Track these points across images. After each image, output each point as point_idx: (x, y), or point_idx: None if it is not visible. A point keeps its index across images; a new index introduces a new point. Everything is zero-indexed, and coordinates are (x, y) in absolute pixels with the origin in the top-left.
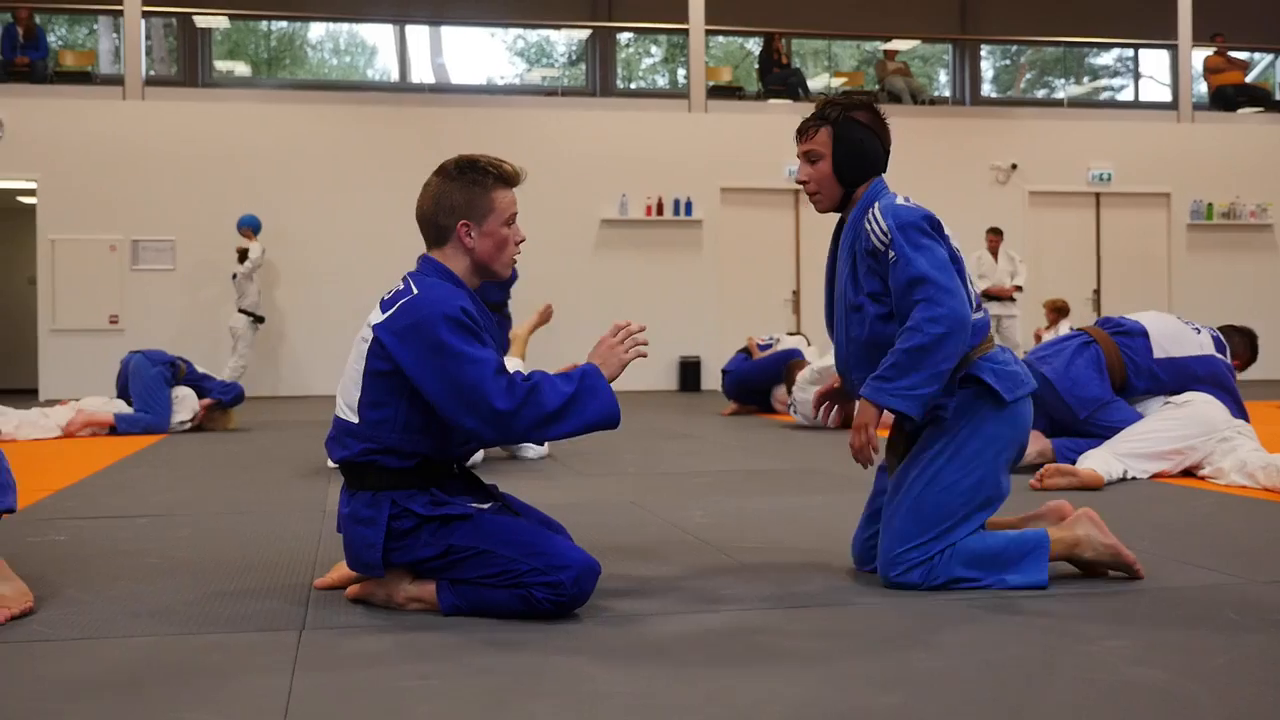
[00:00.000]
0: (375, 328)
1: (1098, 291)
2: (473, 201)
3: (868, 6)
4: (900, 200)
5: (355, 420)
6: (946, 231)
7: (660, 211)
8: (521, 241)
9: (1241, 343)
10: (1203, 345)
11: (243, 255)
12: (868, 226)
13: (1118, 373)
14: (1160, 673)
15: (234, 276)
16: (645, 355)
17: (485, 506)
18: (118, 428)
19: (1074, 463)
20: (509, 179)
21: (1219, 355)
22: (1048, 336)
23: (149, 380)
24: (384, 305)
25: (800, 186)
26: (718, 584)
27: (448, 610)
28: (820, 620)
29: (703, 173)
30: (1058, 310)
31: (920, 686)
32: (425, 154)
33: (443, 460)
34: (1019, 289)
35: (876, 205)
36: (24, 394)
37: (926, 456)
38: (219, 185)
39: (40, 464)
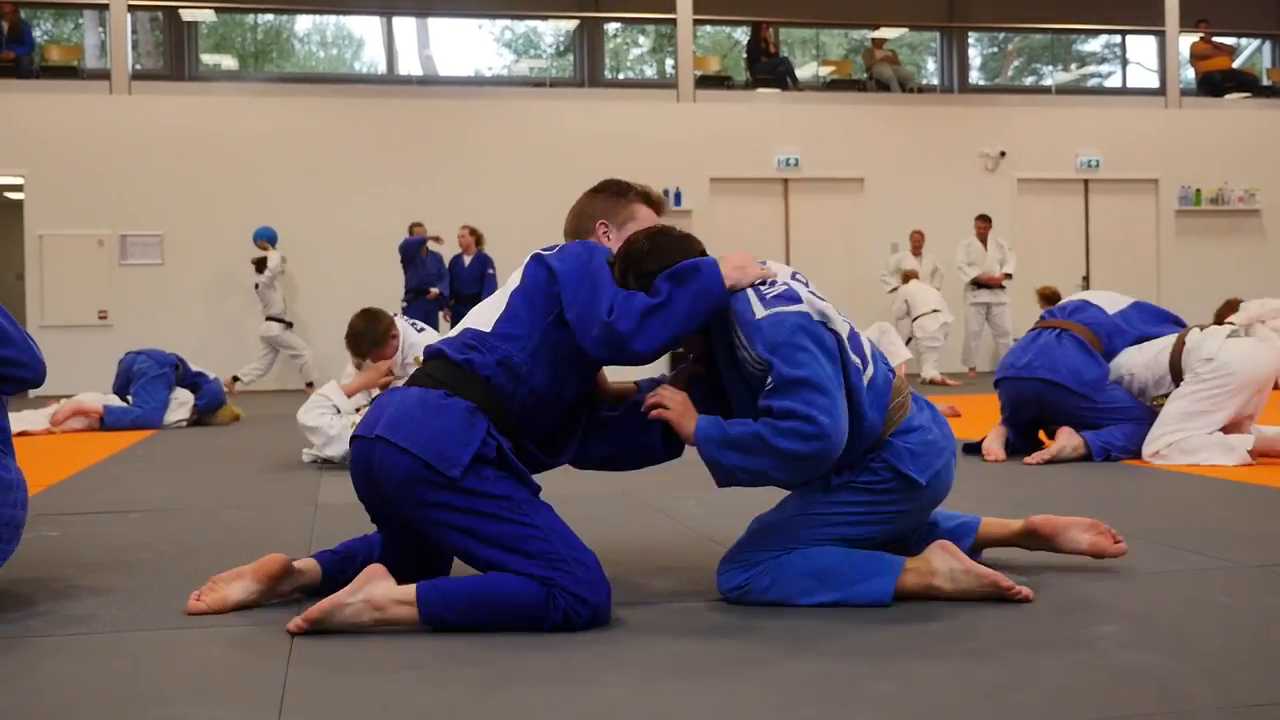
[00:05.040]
0: (534, 256)
1: (1086, 278)
2: (614, 208)
3: None
4: (761, 313)
5: (486, 330)
6: (832, 316)
7: None
8: None
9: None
10: (1120, 299)
11: (260, 265)
12: (740, 354)
13: (1098, 346)
14: (1153, 657)
15: (255, 286)
16: (770, 277)
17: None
18: (105, 419)
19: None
20: (652, 200)
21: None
22: None
23: (154, 381)
24: (534, 256)
25: (788, 175)
26: (710, 575)
27: (425, 614)
28: (812, 610)
29: (691, 163)
30: (1048, 298)
31: (914, 674)
32: (413, 145)
33: (539, 434)
34: (1008, 276)
35: (738, 324)
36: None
37: (829, 501)
38: (207, 179)
39: (30, 460)
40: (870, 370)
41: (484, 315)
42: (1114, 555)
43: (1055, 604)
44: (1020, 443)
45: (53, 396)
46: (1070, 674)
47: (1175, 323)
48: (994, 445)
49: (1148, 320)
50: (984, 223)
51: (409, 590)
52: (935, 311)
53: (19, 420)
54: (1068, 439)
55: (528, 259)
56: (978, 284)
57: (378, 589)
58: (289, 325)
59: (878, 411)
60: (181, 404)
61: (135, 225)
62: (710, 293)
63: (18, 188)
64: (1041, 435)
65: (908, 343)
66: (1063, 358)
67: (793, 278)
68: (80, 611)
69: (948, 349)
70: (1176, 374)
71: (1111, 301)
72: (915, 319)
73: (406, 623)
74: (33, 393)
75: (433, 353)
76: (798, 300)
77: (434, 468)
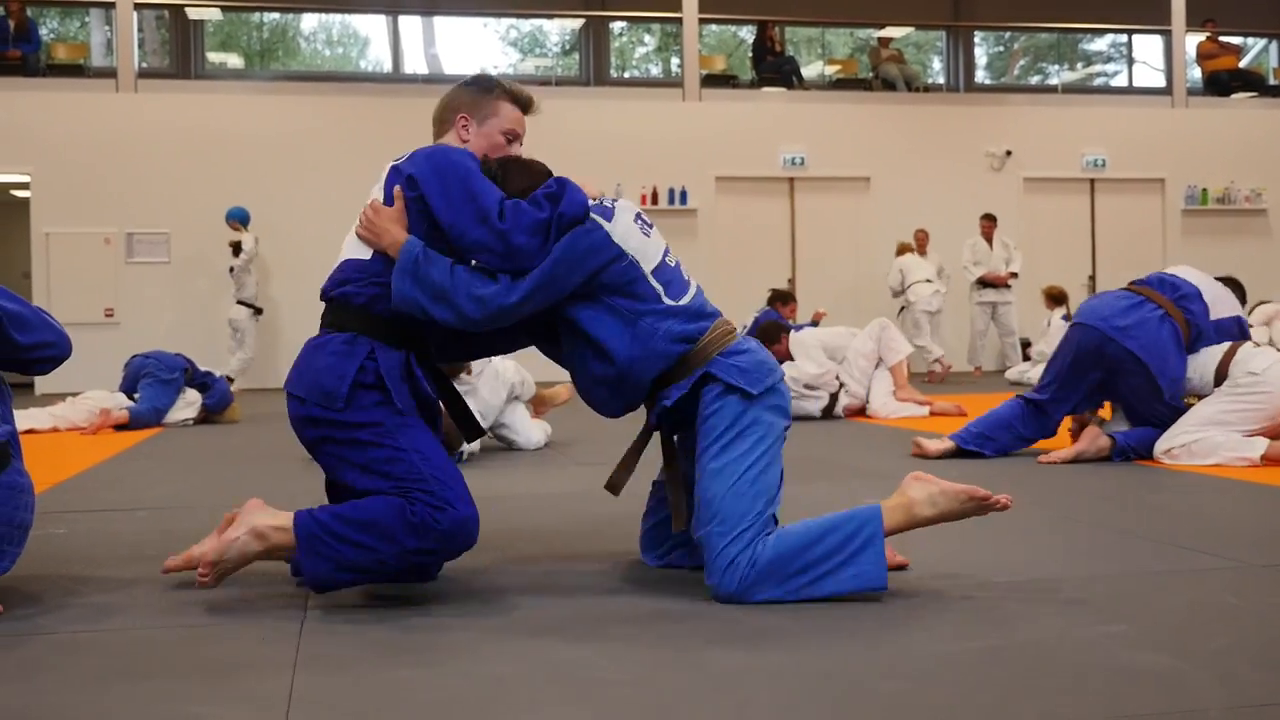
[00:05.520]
0: (394, 165)
1: (1093, 278)
2: (478, 102)
3: None
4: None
5: (366, 257)
6: (634, 246)
7: (655, 201)
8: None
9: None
10: (1234, 305)
11: (236, 248)
12: None
13: (1185, 342)
14: (1160, 657)
15: (230, 270)
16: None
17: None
18: (130, 425)
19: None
20: (519, 98)
21: (1241, 309)
22: (1045, 325)
23: (160, 383)
24: (394, 171)
25: (794, 173)
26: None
27: (301, 536)
28: (820, 608)
29: (697, 162)
30: (1054, 298)
31: (919, 673)
32: (419, 144)
33: (440, 338)
34: (1014, 275)
35: None
36: (20, 388)
37: (704, 460)
38: (213, 177)
39: (37, 458)
40: (675, 301)
41: (356, 244)
42: (895, 566)
43: (1061, 604)
44: (1028, 427)
45: (59, 394)
46: (1078, 674)
47: (1243, 333)
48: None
49: (1230, 333)
50: (989, 222)
51: (287, 517)
52: (928, 281)
53: (24, 418)
54: (1091, 440)
55: (385, 172)
56: (983, 283)
57: (259, 518)
58: (258, 311)
59: (682, 324)
60: (189, 403)
61: (142, 223)
62: (583, 204)
63: (24, 186)
64: (1067, 423)
65: (900, 312)
66: (1161, 343)
67: (636, 218)
68: (88, 609)
69: (953, 349)
70: (1219, 379)
71: (1214, 299)
72: (909, 286)
73: (289, 548)
74: (39, 390)
75: (323, 294)
76: (609, 218)
77: (320, 405)
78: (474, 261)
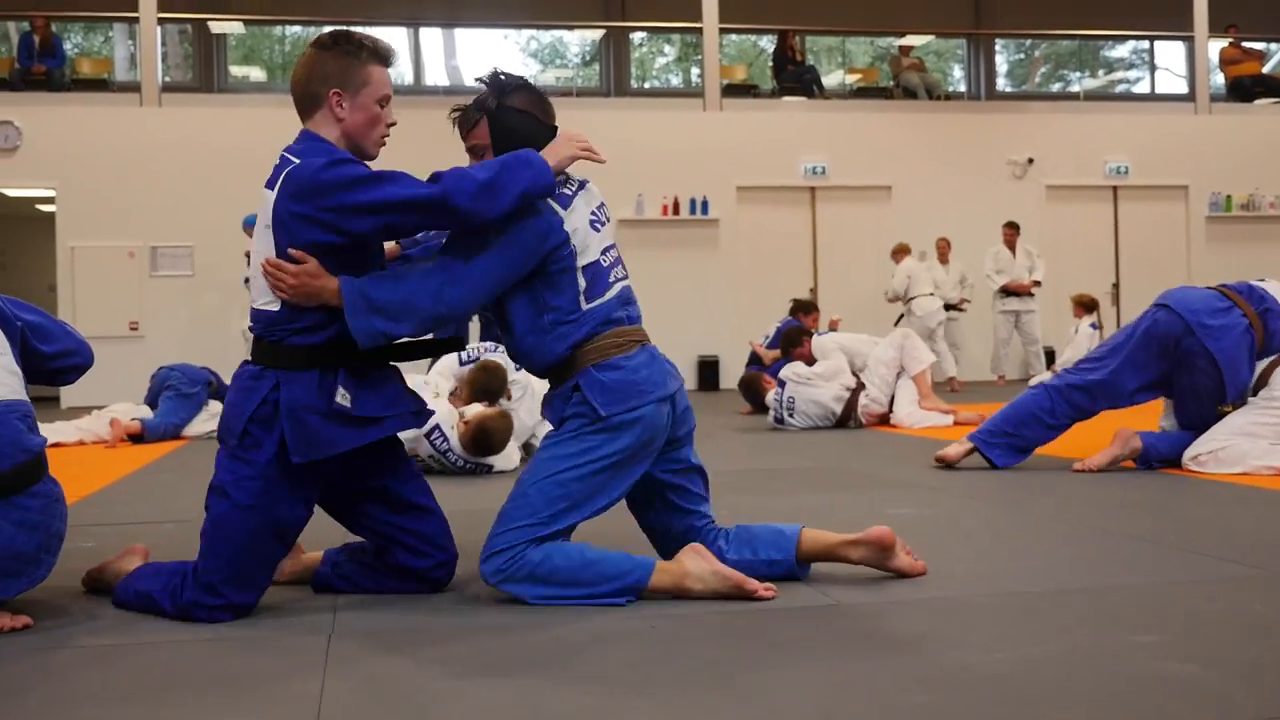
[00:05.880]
0: (274, 207)
1: (1116, 285)
2: (346, 72)
3: (881, 2)
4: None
5: (274, 309)
6: (582, 240)
7: (676, 211)
8: (392, 125)
9: None
10: None
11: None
12: None
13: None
14: (1191, 666)
15: (245, 281)
16: (598, 160)
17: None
18: (145, 436)
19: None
20: (383, 56)
21: None
22: (1072, 333)
23: (181, 397)
24: (269, 185)
25: (815, 183)
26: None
27: (117, 592)
28: (849, 619)
29: (718, 171)
30: (1085, 306)
31: (950, 684)
32: (440, 156)
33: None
34: (1037, 284)
35: None
36: (46, 401)
37: (551, 455)
38: (236, 190)
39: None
40: (593, 303)
41: (259, 287)
42: (917, 573)
43: (1090, 613)
44: (1057, 415)
45: (84, 408)
46: (1108, 684)
47: None
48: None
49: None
50: (1012, 230)
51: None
52: (931, 294)
53: (50, 432)
54: (1125, 442)
55: (264, 210)
56: (1006, 292)
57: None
58: None
59: (577, 329)
60: (213, 415)
61: (165, 237)
62: (549, 185)
63: (49, 200)
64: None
65: (898, 321)
66: (1239, 352)
67: (592, 214)
68: (117, 621)
69: (976, 359)
70: (1257, 388)
71: None
72: (913, 299)
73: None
74: (64, 404)
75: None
76: (565, 205)
77: (223, 439)
78: (405, 254)
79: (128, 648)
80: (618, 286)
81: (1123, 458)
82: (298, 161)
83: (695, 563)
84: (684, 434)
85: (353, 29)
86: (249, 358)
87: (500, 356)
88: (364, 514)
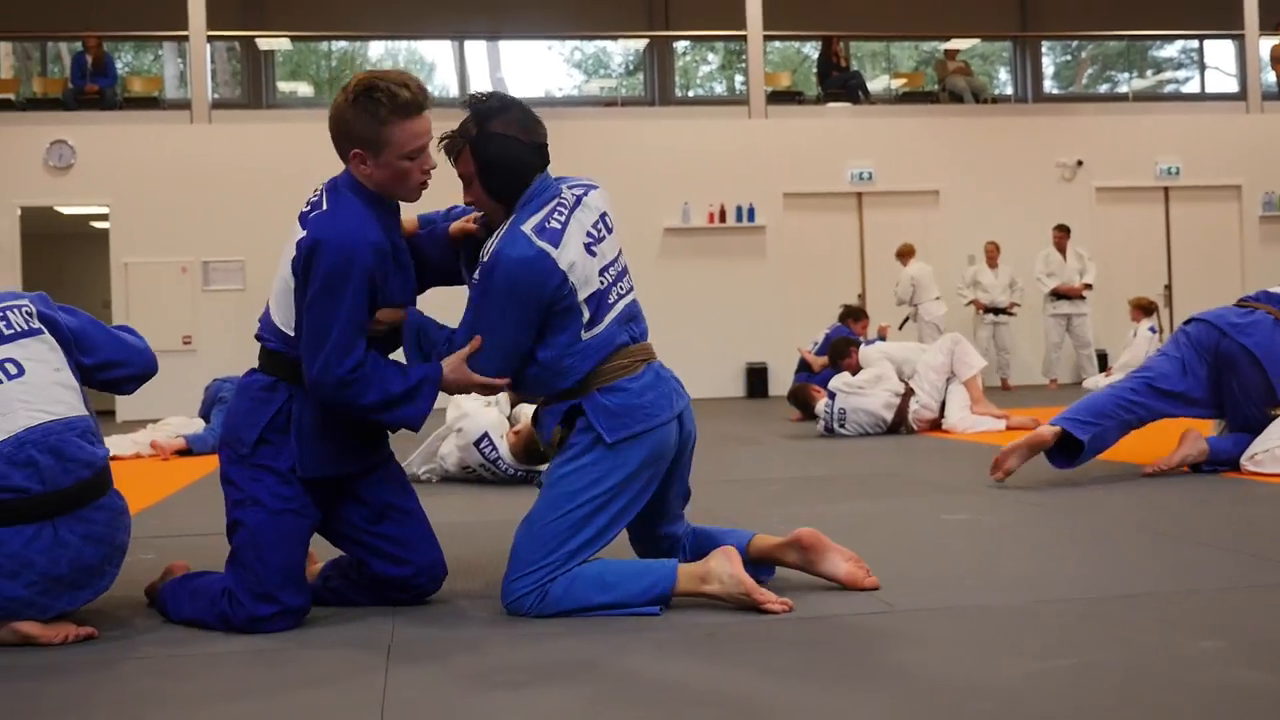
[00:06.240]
0: (298, 243)
1: (1169, 287)
2: (367, 132)
3: (926, 6)
4: (529, 226)
5: (290, 332)
6: (568, 270)
7: (723, 219)
8: (431, 168)
9: None
10: None
11: None
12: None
13: None
14: (1257, 674)
15: None
16: (495, 392)
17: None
18: (193, 449)
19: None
20: (408, 109)
21: None
22: (1130, 336)
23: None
24: (302, 220)
25: (861, 188)
26: (805, 590)
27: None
28: (910, 626)
29: (764, 178)
30: (1143, 309)
31: (1008, 692)
32: None
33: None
34: (1088, 287)
35: (507, 223)
36: (101, 415)
37: (549, 472)
38: (285, 204)
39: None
40: (593, 332)
41: (283, 306)
42: (867, 588)
43: (1152, 620)
44: (1133, 410)
45: (139, 421)
46: (1174, 692)
47: None
48: (1011, 461)
49: None
50: (1062, 233)
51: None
52: (938, 299)
53: (107, 444)
54: (1193, 443)
55: (299, 235)
56: (1057, 295)
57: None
58: None
59: (586, 360)
60: None
61: (217, 251)
62: (404, 425)
63: (103, 217)
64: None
65: (903, 324)
66: (1275, 344)
67: (594, 225)
68: (178, 633)
69: (1027, 363)
70: None
71: None
72: (920, 303)
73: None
74: (119, 417)
75: (256, 336)
76: (556, 243)
77: (229, 444)
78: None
79: (191, 658)
80: (620, 306)
81: (1191, 458)
82: (326, 209)
83: (721, 563)
84: (686, 454)
85: (382, 77)
86: (256, 365)
87: None
88: (341, 520)
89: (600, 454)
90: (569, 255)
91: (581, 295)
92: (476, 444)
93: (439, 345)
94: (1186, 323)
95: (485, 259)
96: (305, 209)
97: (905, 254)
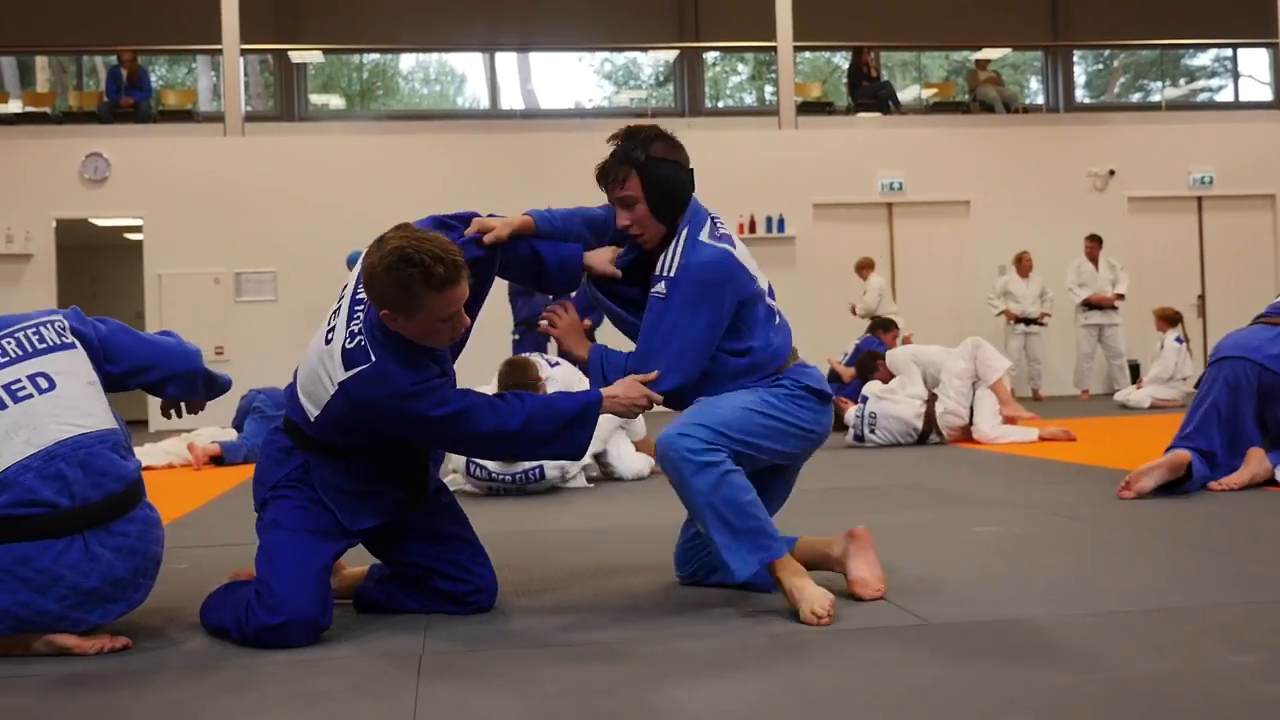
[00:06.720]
0: (344, 385)
1: (1202, 297)
2: (399, 300)
3: (956, 16)
4: (704, 235)
5: (310, 417)
6: (746, 266)
7: (753, 229)
8: (469, 325)
9: None
10: None
11: None
12: (662, 257)
13: None
14: None
15: (328, 336)
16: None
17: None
18: (225, 458)
19: None
20: (442, 284)
21: None
22: (1157, 348)
23: (265, 419)
24: (345, 358)
25: (892, 199)
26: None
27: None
28: (939, 637)
29: (794, 189)
30: (1168, 319)
31: (1041, 706)
32: (517, 179)
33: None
34: (1121, 297)
35: (682, 236)
36: (134, 425)
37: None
38: (318, 216)
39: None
40: (777, 318)
41: (315, 391)
42: (867, 598)
43: (1187, 633)
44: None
45: (173, 431)
46: (1207, 706)
47: None
48: (1145, 481)
49: None
50: (1094, 243)
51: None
52: (896, 312)
53: (140, 455)
54: (1260, 462)
55: (338, 372)
56: (1089, 305)
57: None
58: None
59: (787, 338)
60: None
61: (250, 263)
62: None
63: (137, 229)
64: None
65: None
66: None
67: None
68: (212, 644)
69: (1059, 373)
70: None
71: None
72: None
73: None
74: (152, 427)
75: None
76: (731, 244)
77: (255, 495)
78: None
79: (225, 669)
80: (777, 314)
81: (1260, 477)
82: (374, 362)
83: (845, 547)
84: (807, 456)
85: (418, 247)
86: (281, 426)
87: (536, 355)
88: (403, 549)
89: (809, 405)
90: (742, 254)
91: (762, 285)
92: (467, 467)
93: (619, 371)
94: (1216, 362)
95: (670, 274)
96: (344, 337)
97: (865, 266)
